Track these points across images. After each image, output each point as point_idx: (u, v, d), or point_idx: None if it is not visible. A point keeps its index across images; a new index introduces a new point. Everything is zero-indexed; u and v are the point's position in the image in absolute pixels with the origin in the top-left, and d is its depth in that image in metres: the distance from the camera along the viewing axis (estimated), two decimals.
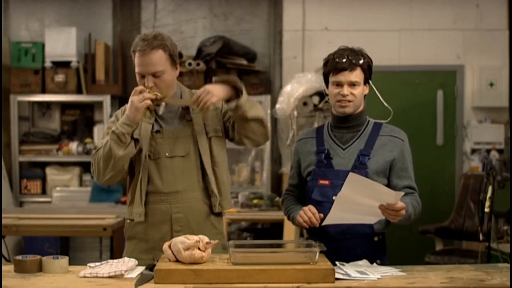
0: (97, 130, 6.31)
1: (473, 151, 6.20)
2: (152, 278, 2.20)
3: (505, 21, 6.30)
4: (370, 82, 2.69)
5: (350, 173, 2.31)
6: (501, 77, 6.23)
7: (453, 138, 6.33)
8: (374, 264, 2.52)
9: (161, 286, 2.15)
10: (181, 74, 4.53)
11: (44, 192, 6.34)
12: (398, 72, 6.32)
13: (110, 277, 2.26)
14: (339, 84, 2.61)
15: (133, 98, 2.57)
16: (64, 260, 2.36)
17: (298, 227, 2.70)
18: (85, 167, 6.22)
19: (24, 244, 5.91)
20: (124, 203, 5.20)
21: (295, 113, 5.79)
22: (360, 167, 2.59)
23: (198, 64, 6.04)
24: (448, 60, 6.35)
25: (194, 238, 2.29)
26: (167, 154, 2.68)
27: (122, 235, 2.88)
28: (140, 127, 2.64)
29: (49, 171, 6.34)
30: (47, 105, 6.55)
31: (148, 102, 2.56)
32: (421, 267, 2.45)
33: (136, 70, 2.63)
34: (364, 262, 2.52)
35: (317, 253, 2.25)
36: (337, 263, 2.39)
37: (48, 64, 6.17)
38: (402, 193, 2.37)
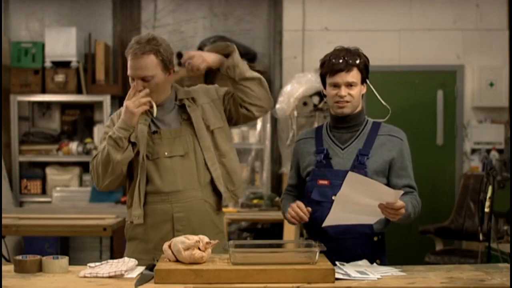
0: (97, 130, 6.31)
1: (473, 151, 6.20)
2: (152, 278, 2.20)
3: (505, 21, 6.30)
4: (368, 82, 2.69)
5: (349, 173, 2.30)
6: (501, 77, 6.22)
7: (453, 138, 6.33)
8: (374, 264, 2.52)
9: (161, 286, 2.15)
10: None
11: (44, 192, 6.34)
12: (398, 72, 6.32)
13: (110, 277, 2.26)
14: (336, 85, 2.61)
15: (128, 103, 2.56)
16: (64, 260, 2.36)
17: (292, 225, 2.69)
18: (85, 167, 6.21)
19: (24, 244, 5.90)
20: (124, 203, 5.19)
21: (295, 113, 5.79)
22: (359, 166, 2.59)
23: None
24: (448, 60, 6.34)
25: (194, 238, 2.28)
26: (166, 154, 2.67)
27: (122, 235, 2.88)
28: (136, 129, 2.63)
29: (49, 171, 6.34)
30: (47, 105, 6.55)
31: (145, 107, 2.56)
32: (421, 267, 2.44)
33: (128, 72, 2.62)
34: (364, 262, 2.52)
35: (317, 253, 2.25)
36: (337, 263, 2.39)
37: (48, 64, 6.17)
38: (402, 192, 2.36)
